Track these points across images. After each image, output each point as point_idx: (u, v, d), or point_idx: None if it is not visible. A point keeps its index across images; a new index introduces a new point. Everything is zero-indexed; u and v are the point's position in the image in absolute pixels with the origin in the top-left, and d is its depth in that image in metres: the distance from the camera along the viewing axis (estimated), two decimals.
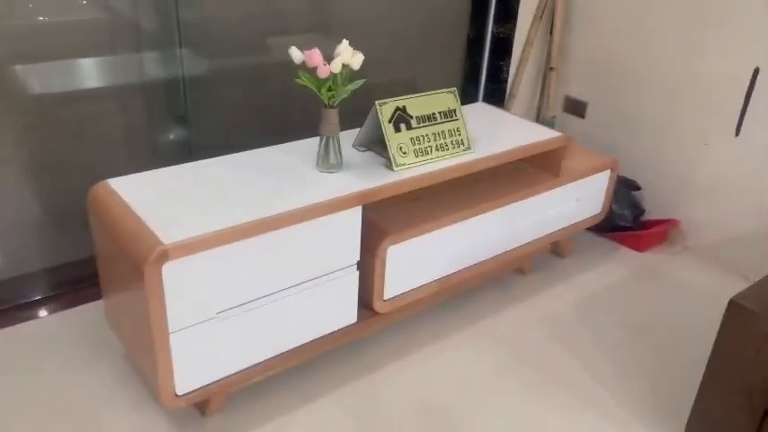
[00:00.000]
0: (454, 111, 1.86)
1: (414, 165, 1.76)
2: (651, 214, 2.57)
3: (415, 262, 1.81)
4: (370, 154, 1.83)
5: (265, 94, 2.26)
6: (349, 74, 1.58)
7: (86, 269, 2.03)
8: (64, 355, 1.79)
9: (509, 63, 2.73)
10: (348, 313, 1.74)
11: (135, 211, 1.46)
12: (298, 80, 1.56)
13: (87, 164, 1.99)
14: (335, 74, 1.54)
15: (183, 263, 1.37)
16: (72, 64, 1.88)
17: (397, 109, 1.75)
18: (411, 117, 1.77)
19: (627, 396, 1.77)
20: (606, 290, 2.24)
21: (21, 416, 1.59)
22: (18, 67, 1.80)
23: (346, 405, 1.69)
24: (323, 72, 1.52)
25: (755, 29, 2.14)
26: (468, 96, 2.81)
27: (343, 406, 1.68)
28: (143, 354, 1.49)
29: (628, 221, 2.48)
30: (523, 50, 2.70)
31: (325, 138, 1.67)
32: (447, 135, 1.83)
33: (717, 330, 1.47)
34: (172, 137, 2.10)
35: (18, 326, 1.89)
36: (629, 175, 2.59)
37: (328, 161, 1.69)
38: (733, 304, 1.40)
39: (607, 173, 2.29)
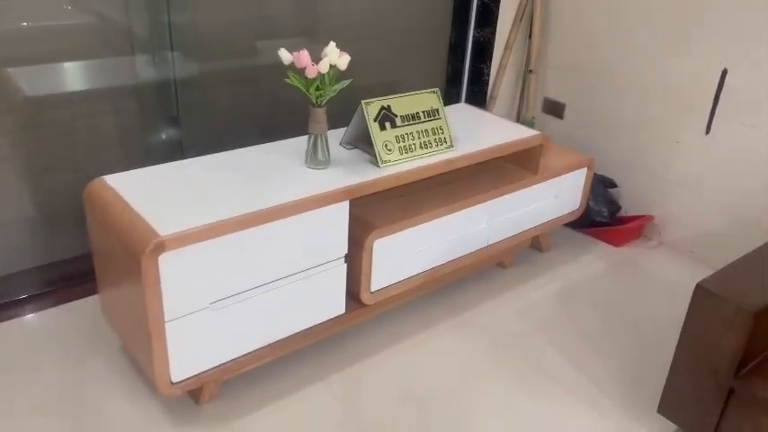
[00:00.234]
0: (437, 110, 1.94)
1: (398, 161, 1.84)
2: (627, 211, 2.67)
3: (400, 255, 1.88)
4: (356, 151, 1.90)
5: (255, 96, 2.33)
6: (336, 74, 1.65)
7: (79, 267, 2.08)
8: (60, 348, 1.84)
9: (490, 66, 2.82)
10: (337, 304, 1.81)
11: (131, 205, 1.52)
12: (287, 80, 1.64)
13: (81, 164, 2.04)
14: (323, 74, 1.61)
15: (179, 254, 1.43)
16: (68, 67, 1.94)
17: (383, 108, 1.82)
18: (396, 116, 1.85)
19: (604, 379, 1.85)
20: (585, 282, 2.33)
21: (20, 406, 1.64)
22: (15, 70, 1.86)
23: (335, 392, 1.76)
24: (311, 72, 1.60)
25: (723, 32, 2.25)
26: (450, 98, 2.90)
27: (332, 392, 1.75)
28: (139, 343, 1.55)
29: (605, 217, 2.57)
30: (503, 54, 2.80)
31: (313, 136, 1.74)
32: (430, 133, 1.91)
33: None
34: (164, 137, 2.16)
35: (11, 321, 1.94)
36: (606, 173, 2.69)
37: (317, 158, 1.77)
38: (699, 289, 1.49)
39: (584, 170, 2.38)
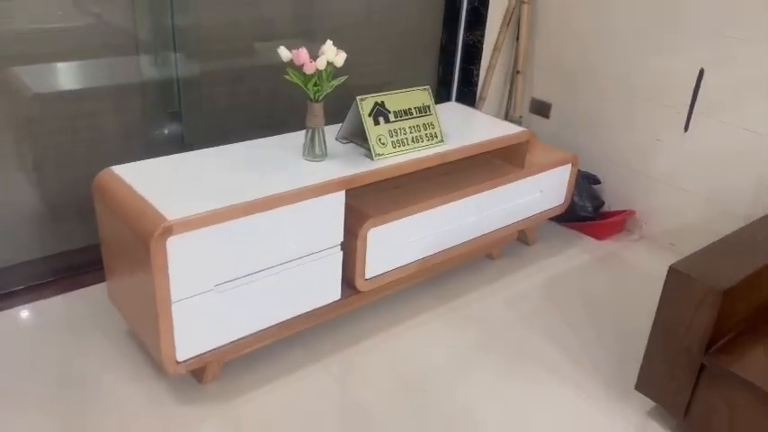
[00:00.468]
0: (428, 107, 2.04)
1: (391, 154, 1.94)
2: (610, 206, 2.79)
3: (393, 244, 1.98)
4: (351, 145, 2.00)
5: (253, 94, 2.43)
6: (333, 71, 1.75)
7: (86, 257, 2.17)
8: (67, 333, 1.93)
9: (479, 67, 2.93)
10: (333, 290, 1.91)
11: (139, 193, 1.62)
12: (286, 76, 1.73)
13: (87, 157, 2.13)
14: (321, 70, 1.71)
15: (185, 238, 1.52)
16: (76, 66, 2.03)
17: (376, 104, 1.93)
18: (389, 111, 1.95)
19: (586, 363, 1.96)
20: (569, 272, 2.44)
21: (30, 386, 1.73)
22: (27, 68, 1.95)
23: (332, 373, 1.85)
24: (309, 69, 1.70)
25: (700, 33, 2.37)
26: (441, 98, 3.00)
27: (329, 373, 1.84)
28: (146, 324, 1.64)
29: (589, 212, 2.68)
30: (492, 56, 2.91)
31: (311, 130, 1.84)
32: (422, 128, 2.02)
33: None
34: (167, 132, 2.26)
35: (20, 308, 2.02)
36: (591, 170, 2.80)
37: (314, 151, 1.86)
38: (672, 270, 1.60)
39: (568, 167, 2.49)
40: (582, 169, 2.78)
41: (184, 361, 1.65)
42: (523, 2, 2.82)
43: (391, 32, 2.74)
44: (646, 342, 1.71)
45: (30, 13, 1.90)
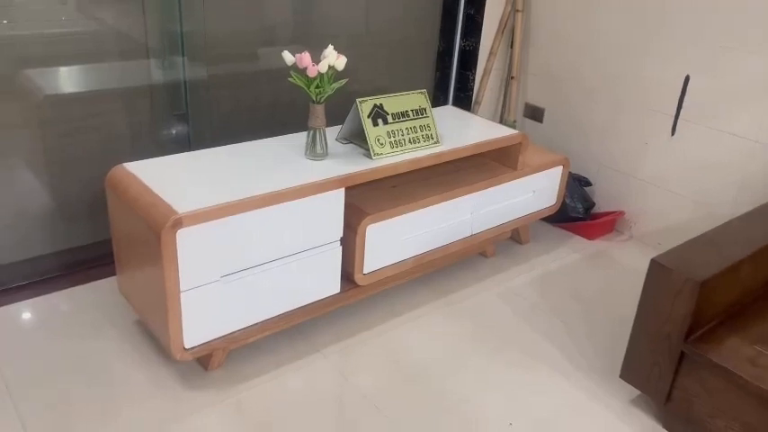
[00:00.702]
0: (425, 109, 2.14)
1: (389, 155, 2.03)
2: (600, 207, 2.88)
3: (391, 241, 2.07)
4: (351, 146, 2.10)
5: (257, 97, 2.53)
6: (334, 74, 1.85)
7: (96, 252, 2.26)
8: (78, 322, 2.01)
9: (474, 73, 3.04)
10: (332, 284, 2.00)
11: (150, 187, 1.71)
12: (290, 79, 1.83)
13: (97, 157, 2.22)
14: (323, 73, 1.81)
15: (194, 230, 1.61)
16: (90, 68, 2.13)
17: (375, 106, 2.02)
18: (387, 113, 2.05)
19: (576, 354, 2.05)
20: (560, 270, 2.53)
21: (43, 373, 1.81)
22: (42, 70, 2.05)
23: (332, 362, 1.94)
24: (312, 72, 1.79)
25: (686, 42, 2.47)
26: (438, 103, 3.10)
27: (329, 362, 1.93)
28: (155, 312, 1.73)
29: (580, 213, 2.78)
30: (487, 62, 3.02)
31: (312, 130, 1.93)
32: (418, 130, 2.11)
33: None
34: (174, 132, 2.36)
35: (32, 300, 2.11)
36: (582, 173, 2.90)
37: (315, 150, 1.96)
38: (654, 263, 1.69)
39: (560, 169, 2.59)
40: (573, 172, 2.88)
41: (192, 348, 1.73)
42: (517, 10, 2.93)
43: (391, 39, 2.85)
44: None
45: (46, 19, 2.00)
